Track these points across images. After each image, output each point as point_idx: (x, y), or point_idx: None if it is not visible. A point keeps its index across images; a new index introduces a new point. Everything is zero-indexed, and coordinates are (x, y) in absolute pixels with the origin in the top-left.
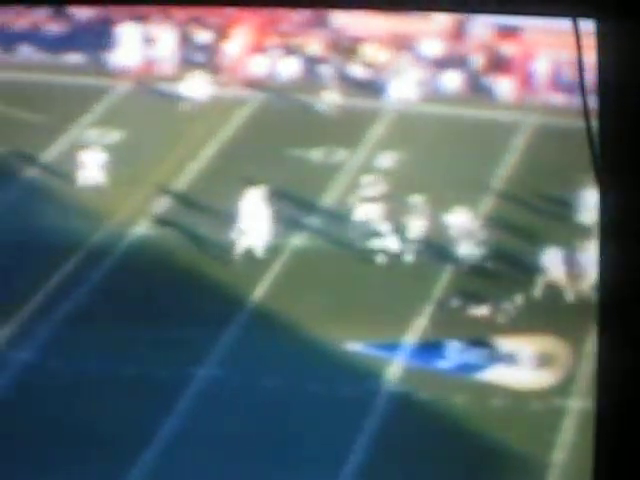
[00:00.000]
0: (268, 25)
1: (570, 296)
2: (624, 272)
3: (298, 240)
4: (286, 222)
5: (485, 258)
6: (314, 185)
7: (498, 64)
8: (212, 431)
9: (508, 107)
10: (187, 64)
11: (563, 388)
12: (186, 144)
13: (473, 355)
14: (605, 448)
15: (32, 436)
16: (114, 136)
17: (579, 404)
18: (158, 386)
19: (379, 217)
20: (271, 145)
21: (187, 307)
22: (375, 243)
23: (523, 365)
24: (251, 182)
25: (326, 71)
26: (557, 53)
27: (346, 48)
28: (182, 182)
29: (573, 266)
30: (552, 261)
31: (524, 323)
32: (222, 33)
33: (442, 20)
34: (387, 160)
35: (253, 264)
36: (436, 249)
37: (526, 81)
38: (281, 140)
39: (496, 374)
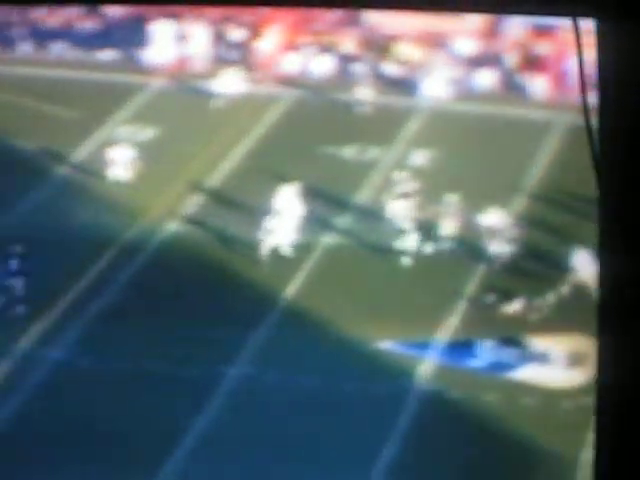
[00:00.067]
0: (301, 23)
1: None
2: (624, 272)
3: (330, 238)
4: (318, 220)
5: (517, 256)
6: (347, 183)
7: (532, 63)
8: (244, 430)
9: (542, 106)
10: (220, 62)
11: (594, 387)
12: (219, 141)
13: (505, 354)
14: (605, 448)
15: (63, 435)
16: (147, 133)
17: None
18: (189, 384)
19: (412, 215)
20: (304, 143)
21: (219, 305)
22: (407, 241)
23: (554, 364)
24: (284, 180)
25: (359, 69)
26: (592, 53)
27: (379, 46)
28: (215, 179)
29: None
30: (583, 261)
31: (555, 322)
32: (255, 31)
33: (475, 19)
34: (420, 158)
35: (285, 262)
36: (468, 247)
37: (560, 80)
38: (314, 138)
39: (527, 373)
